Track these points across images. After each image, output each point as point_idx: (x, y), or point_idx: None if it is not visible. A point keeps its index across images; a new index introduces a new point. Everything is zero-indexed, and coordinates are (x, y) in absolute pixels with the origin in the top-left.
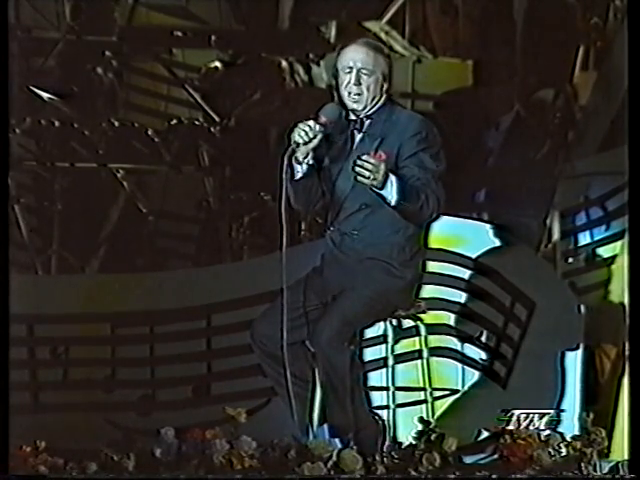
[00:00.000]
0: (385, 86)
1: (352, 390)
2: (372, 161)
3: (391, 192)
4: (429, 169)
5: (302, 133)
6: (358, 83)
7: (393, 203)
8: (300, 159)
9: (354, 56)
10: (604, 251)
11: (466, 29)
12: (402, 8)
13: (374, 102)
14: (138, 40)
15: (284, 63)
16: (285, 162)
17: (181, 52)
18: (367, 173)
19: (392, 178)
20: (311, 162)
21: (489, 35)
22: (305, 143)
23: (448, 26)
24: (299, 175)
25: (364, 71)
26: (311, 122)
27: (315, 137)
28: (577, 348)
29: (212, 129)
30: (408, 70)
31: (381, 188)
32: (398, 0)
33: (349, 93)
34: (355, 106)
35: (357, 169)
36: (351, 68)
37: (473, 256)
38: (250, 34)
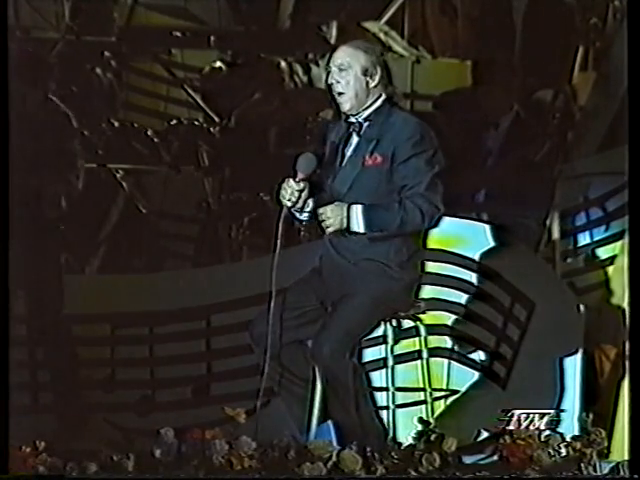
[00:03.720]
0: (371, 82)
1: (357, 400)
2: (321, 211)
3: (358, 225)
4: (423, 174)
5: (287, 195)
6: (337, 81)
7: (362, 231)
8: (299, 212)
9: (332, 56)
10: (604, 251)
11: (465, 29)
12: (401, 8)
13: (364, 102)
14: (137, 40)
15: (283, 63)
16: (280, 229)
17: (180, 52)
18: (329, 221)
19: (357, 211)
20: (310, 206)
21: (488, 35)
22: (295, 202)
23: (447, 26)
24: (305, 220)
25: (339, 68)
26: (291, 182)
27: (301, 193)
28: (576, 349)
29: (212, 129)
30: (407, 70)
31: (347, 229)
32: (397, 0)
33: (334, 92)
34: (342, 107)
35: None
36: (330, 67)
37: (472, 256)
38: (249, 34)
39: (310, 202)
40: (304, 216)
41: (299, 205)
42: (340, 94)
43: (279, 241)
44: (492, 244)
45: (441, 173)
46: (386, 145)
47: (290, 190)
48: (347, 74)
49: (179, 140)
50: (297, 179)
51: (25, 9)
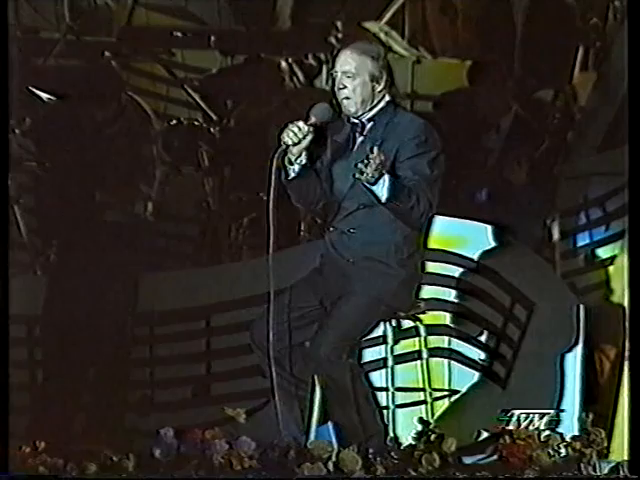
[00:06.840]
0: (377, 87)
1: (357, 402)
2: (378, 160)
3: (382, 190)
4: (424, 174)
5: (291, 134)
6: (343, 87)
7: (383, 200)
8: (292, 160)
9: (338, 60)
10: (603, 252)
11: (465, 30)
12: (401, 9)
13: (368, 105)
14: (137, 40)
15: (283, 64)
16: (274, 164)
17: (180, 53)
18: (368, 170)
19: (385, 176)
20: (304, 162)
21: (488, 36)
22: (295, 144)
23: (447, 27)
24: (292, 175)
25: (347, 74)
26: (300, 123)
27: (305, 138)
28: (576, 349)
29: (212, 130)
30: (407, 71)
31: (373, 184)
32: (398, 1)
33: (339, 97)
34: (347, 110)
35: (359, 165)
36: (336, 72)
37: (473, 257)
38: (250, 34)
39: (304, 157)
40: (293, 169)
41: (296, 150)
42: (347, 99)
43: (272, 185)
44: (492, 244)
45: (439, 178)
46: (390, 144)
47: (296, 129)
48: (354, 80)
49: (179, 140)
50: (308, 122)
51: (25, 9)
